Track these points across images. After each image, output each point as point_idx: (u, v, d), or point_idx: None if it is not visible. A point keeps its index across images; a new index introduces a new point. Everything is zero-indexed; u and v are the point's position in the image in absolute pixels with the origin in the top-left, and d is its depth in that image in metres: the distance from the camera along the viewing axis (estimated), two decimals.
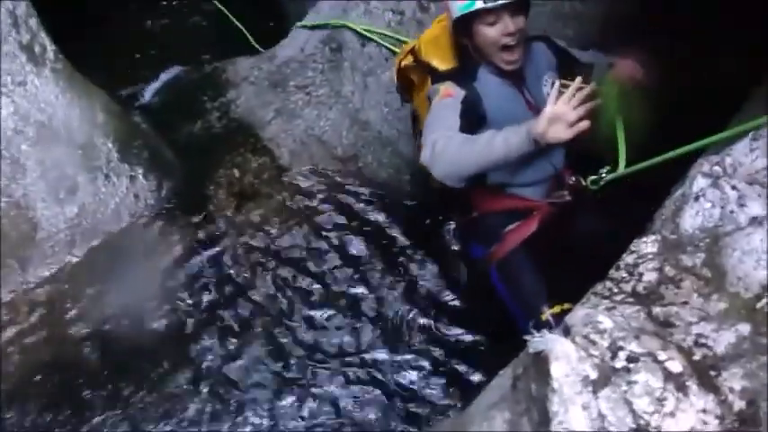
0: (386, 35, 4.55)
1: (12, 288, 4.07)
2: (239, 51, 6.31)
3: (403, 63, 3.44)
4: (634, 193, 2.83)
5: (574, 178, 3.03)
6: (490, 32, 2.81)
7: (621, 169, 2.77)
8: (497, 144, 2.59)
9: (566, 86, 2.55)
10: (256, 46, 6.60)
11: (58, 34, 4.43)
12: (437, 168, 2.68)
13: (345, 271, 4.19)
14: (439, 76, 3.08)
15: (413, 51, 3.33)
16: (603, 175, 2.85)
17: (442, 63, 3.12)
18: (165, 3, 7.91)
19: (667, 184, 2.38)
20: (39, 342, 3.90)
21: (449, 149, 2.63)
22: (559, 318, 2.57)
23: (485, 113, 2.88)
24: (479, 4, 2.73)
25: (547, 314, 2.82)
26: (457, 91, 2.86)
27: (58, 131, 4.20)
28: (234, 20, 7.17)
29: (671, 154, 2.48)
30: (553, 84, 2.68)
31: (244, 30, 7.00)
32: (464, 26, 2.88)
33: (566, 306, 2.78)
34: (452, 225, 3.44)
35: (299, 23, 5.66)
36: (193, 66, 6.38)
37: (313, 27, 5.35)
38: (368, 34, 4.67)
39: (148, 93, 6.06)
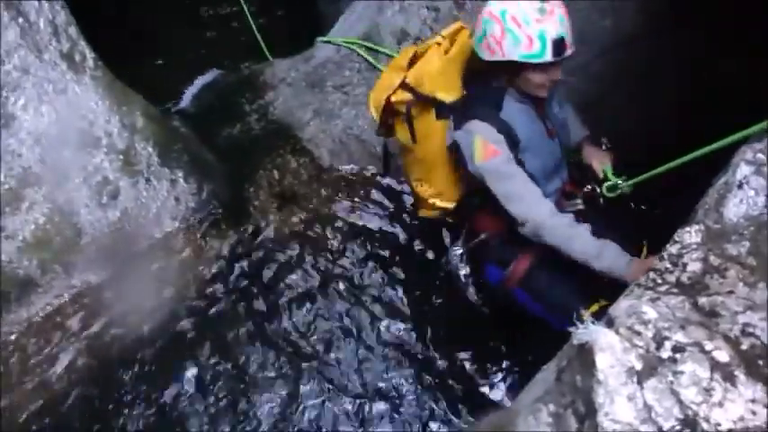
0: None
1: (58, 293, 4.12)
2: (276, 54, 6.36)
3: (393, 98, 3.27)
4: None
5: (589, 186, 3.15)
6: (538, 78, 2.85)
7: (632, 181, 3.00)
8: (595, 257, 2.75)
9: None
10: (268, 55, 6.68)
11: (96, 41, 4.48)
12: (537, 239, 2.88)
13: (386, 271, 4.21)
14: (446, 108, 3.11)
15: (405, 86, 3.21)
16: (620, 183, 3.04)
17: (448, 95, 3.11)
18: (202, 7, 7.99)
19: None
20: (86, 345, 3.95)
21: (547, 236, 2.83)
22: (599, 316, 2.58)
23: (518, 139, 2.92)
24: (549, 58, 2.73)
25: (586, 315, 2.82)
26: (495, 142, 2.88)
27: (99, 137, 4.24)
28: (254, 27, 7.20)
29: (687, 157, 2.56)
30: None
31: (259, 38, 7.02)
32: (509, 65, 2.85)
33: (602, 303, 2.85)
34: (458, 250, 3.43)
35: (319, 39, 5.74)
36: (231, 69, 6.43)
37: (333, 43, 5.47)
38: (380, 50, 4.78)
39: (187, 97, 6.12)
